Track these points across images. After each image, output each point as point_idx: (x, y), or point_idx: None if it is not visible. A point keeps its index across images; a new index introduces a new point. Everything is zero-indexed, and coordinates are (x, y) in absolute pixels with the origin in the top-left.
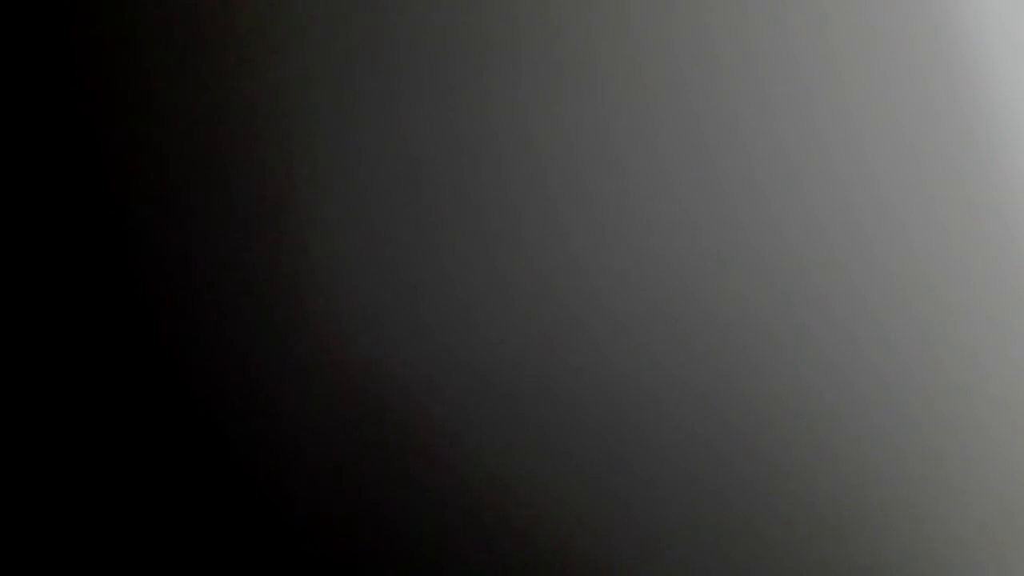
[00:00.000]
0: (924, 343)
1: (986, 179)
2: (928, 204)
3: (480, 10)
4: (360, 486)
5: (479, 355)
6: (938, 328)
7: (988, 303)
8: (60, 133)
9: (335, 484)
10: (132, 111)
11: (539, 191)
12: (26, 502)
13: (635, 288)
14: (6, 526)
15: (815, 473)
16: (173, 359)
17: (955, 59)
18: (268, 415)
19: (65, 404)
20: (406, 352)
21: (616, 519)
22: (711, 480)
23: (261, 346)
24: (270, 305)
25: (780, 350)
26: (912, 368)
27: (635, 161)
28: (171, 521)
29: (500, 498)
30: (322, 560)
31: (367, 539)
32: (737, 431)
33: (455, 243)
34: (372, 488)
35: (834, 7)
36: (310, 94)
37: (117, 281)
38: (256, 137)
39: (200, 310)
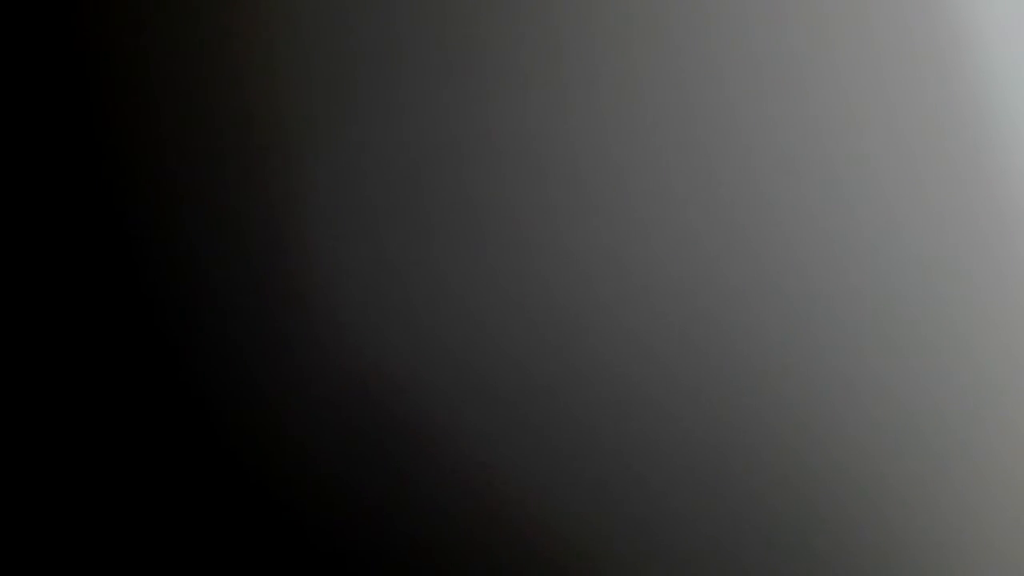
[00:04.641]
0: (924, 341)
1: (986, 178)
2: (928, 203)
3: (479, 11)
4: (362, 488)
5: (481, 357)
6: (939, 327)
7: (988, 302)
8: (61, 135)
9: (336, 486)
10: (132, 112)
11: (540, 193)
12: (26, 503)
13: (637, 289)
14: (6, 526)
15: (816, 472)
16: (172, 360)
17: (955, 57)
18: (269, 416)
19: (67, 407)
20: (408, 354)
21: (619, 520)
22: (713, 479)
23: (262, 348)
24: (271, 307)
25: (780, 348)
26: (913, 366)
27: (636, 162)
28: (173, 523)
29: (501, 499)
30: (323, 562)
31: (369, 541)
32: (739, 431)
33: (457, 245)
34: (374, 490)
35: (834, 7)
36: (310, 96)
37: (118, 284)
38: (256, 139)
39: (200, 312)
